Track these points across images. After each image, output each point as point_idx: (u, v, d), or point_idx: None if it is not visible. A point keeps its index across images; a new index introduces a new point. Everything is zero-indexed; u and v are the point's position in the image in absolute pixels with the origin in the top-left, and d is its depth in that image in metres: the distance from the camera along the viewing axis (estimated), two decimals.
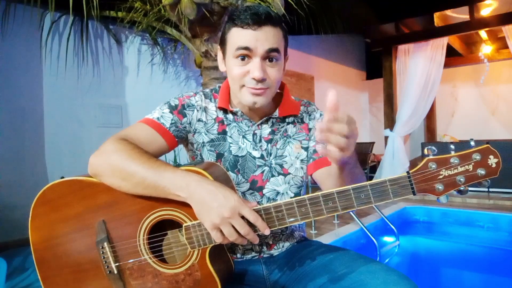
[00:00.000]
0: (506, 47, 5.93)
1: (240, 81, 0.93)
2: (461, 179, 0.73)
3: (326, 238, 2.97)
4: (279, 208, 0.79)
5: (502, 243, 3.57)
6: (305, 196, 0.79)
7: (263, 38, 0.89)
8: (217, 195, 0.76)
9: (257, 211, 0.80)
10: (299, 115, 1.08)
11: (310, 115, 1.09)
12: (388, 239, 3.38)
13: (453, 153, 0.74)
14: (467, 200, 4.61)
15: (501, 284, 2.67)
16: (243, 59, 0.91)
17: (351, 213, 2.93)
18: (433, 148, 0.75)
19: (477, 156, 0.73)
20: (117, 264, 0.86)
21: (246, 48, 0.89)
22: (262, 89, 0.92)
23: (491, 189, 5.08)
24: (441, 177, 0.74)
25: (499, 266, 2.99)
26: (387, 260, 2.89)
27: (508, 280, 2.71)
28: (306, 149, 1.05)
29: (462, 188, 0.74)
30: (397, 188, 0.75)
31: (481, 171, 0.72)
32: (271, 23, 0.90)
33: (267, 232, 0.78)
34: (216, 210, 0.75)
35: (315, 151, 1.05)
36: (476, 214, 3.97)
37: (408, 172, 0.75)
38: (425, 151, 0.76)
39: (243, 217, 0.76)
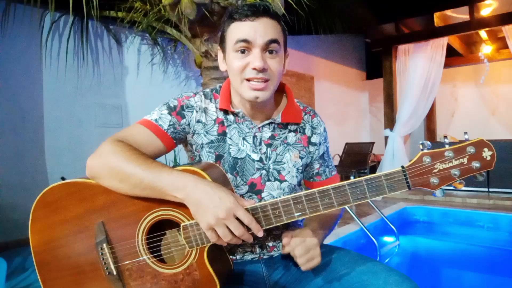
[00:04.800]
0: (506, 47, 5.93)
1: (241, 74, 0.92)
2: (456, 172, 0.73)
3: (326, 238, 2.96)
4: (276, 206, 0.79)
5: (502, 243, 3.57)
6: (301, 192, 0.79)
7: (261, 29, 0.89)
8: (213, 196, 0.76)
9: (254, 209, 0.80)
10: (301, 124, 1.06)
11: (314, 129, 1.07)
12: (388, 239, 3.38)
13: (447, 146, 0.74)
14: (467, 200, 4.60)
15: (501, 284, 2.67)
16: (243, 52, 0.91)
17: (351, 213, 2.93)
18: (428, 142, 0.75)
19: (471, 149, 0.73)
20: (116, 265, 0.86)
21: (245, 41, 0.89)
22: (263, 80, 0.91)
23: (491, 189, 5.08)
24: (436, 170, 0.74)
25: (499, 266, 2.98)
26: (387, 260, 2.89)
27: (508, 280, 2.71)
28: (301, 159, 1.05)
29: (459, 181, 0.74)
30: (392, 183, 0.75)
31: (476, 164, 0.72)
32: (269, 16, 0.91)
33: (260, 234, 0.78)
34: (211, 211, 0.75)
35: (317, 173, 1.08)
36: (476, 214, 3.96)
37: (402, 167, 0.75)
38: (420, 146, 0.76)
39: (238, 219, 0.77)
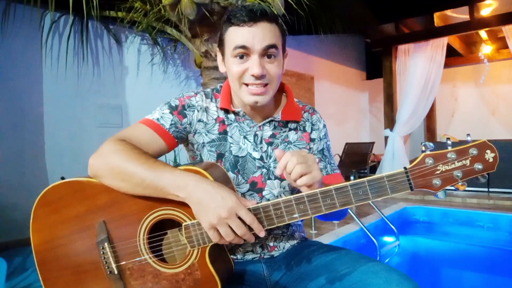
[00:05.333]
0: (506, 47, 5.93)
1: (240, 79, 0.93)
2: (458, 174, 0.73)
3: (326, 238, 2.97)
4: (278, 206, 0.79)
5: (502, 243, 3.57)
6: (304, 193, 0.79)
7: (259, 35, 0.89)
8: (215, 196, 0.76)
9: (256, 209, 0.80)
10: (301, 122, 1.07)
11: (313, 125, 1.08)
12: (388, 239, 3.38)
13: (450, 148, 0.74)
14: (467, 200, 4.60)
15: (501, 284, 2.67)
16: (241, 58, 0.91)
17: (351, 213, 2.93)
18: (430, 144, 0.75)
19: (474, 151, 0.73)
20: (117, 264, 0.86)
21: (243, 47, 0.89)
22: (262, 86, 0.92)
23: (491, 189, 5.08)
24: (438, 172, 0.74)
25: (499, 266, 2.98)
26: (387, 260, 2.89)
27: (508, 280, 2.72)
28: None
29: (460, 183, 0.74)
30: (394, 184, 0.75)
31: (478, 166, 0.72)
32: (267, 19, 0.91)
33: (262, 234, 0.78)
34: (213, 210, 0.75)
35: None
36: (476, 214, 3.96)
37: (405, 168, 0.75)
38: (422, 147, 0.76)
39: (240, 218, 0.77)
